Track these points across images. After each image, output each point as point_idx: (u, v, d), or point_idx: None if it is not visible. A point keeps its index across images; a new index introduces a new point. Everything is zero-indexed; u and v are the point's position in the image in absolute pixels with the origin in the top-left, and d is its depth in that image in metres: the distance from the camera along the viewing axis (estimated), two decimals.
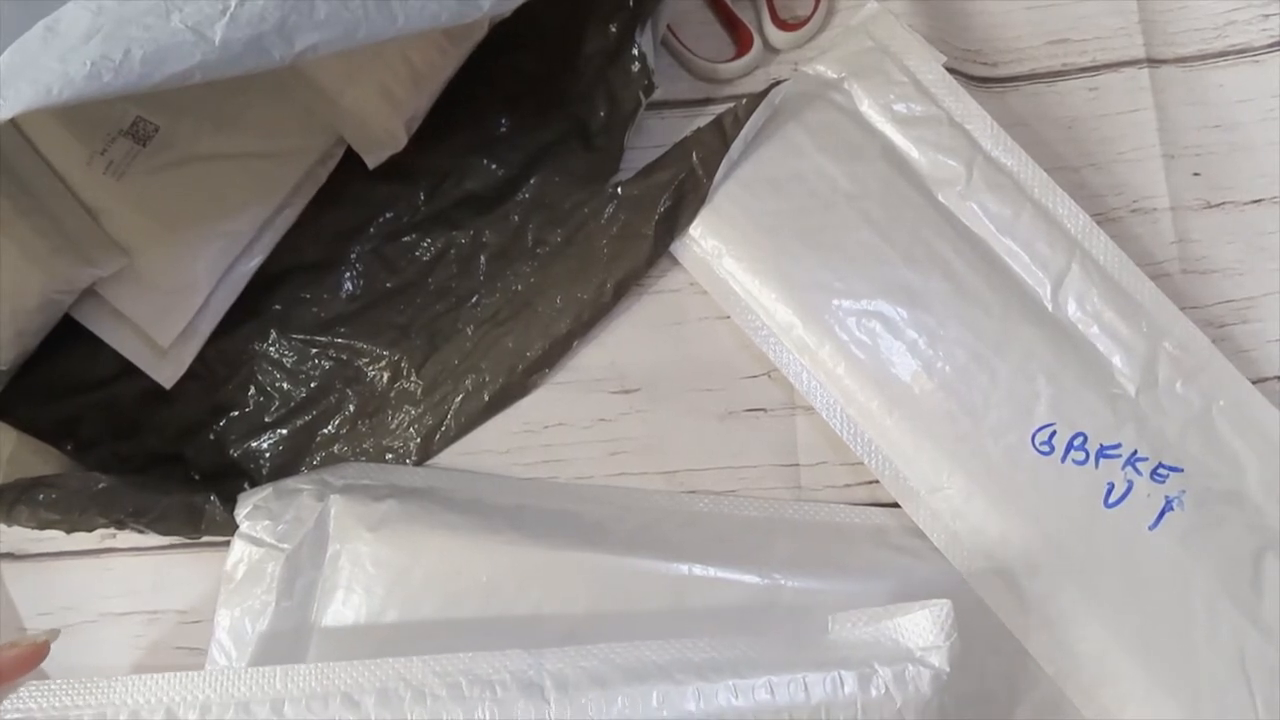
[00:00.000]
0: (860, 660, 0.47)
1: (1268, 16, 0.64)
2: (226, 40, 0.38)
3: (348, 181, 0.63)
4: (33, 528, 0.54)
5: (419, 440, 0.61)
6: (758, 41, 0.65)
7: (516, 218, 0.63)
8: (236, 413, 0.62)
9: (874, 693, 0.46)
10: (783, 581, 0.56)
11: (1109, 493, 0.55)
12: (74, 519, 0.54)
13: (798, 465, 0.60)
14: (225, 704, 0.44)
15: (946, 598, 0.49)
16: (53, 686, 0.44)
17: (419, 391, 0.62)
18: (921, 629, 0.48)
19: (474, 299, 0.63)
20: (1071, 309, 0.57)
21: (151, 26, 0.37)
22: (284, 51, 0.40)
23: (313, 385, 0.62)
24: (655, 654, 0.47)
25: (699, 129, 0.60)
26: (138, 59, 0.37)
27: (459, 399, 0.61)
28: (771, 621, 0.55)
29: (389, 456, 0.61)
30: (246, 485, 0.59)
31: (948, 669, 0.48)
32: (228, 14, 0.38)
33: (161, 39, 0.37)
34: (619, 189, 0.62)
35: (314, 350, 0.63)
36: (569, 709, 0.45)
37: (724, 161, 0.59)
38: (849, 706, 0.46)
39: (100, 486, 0.54)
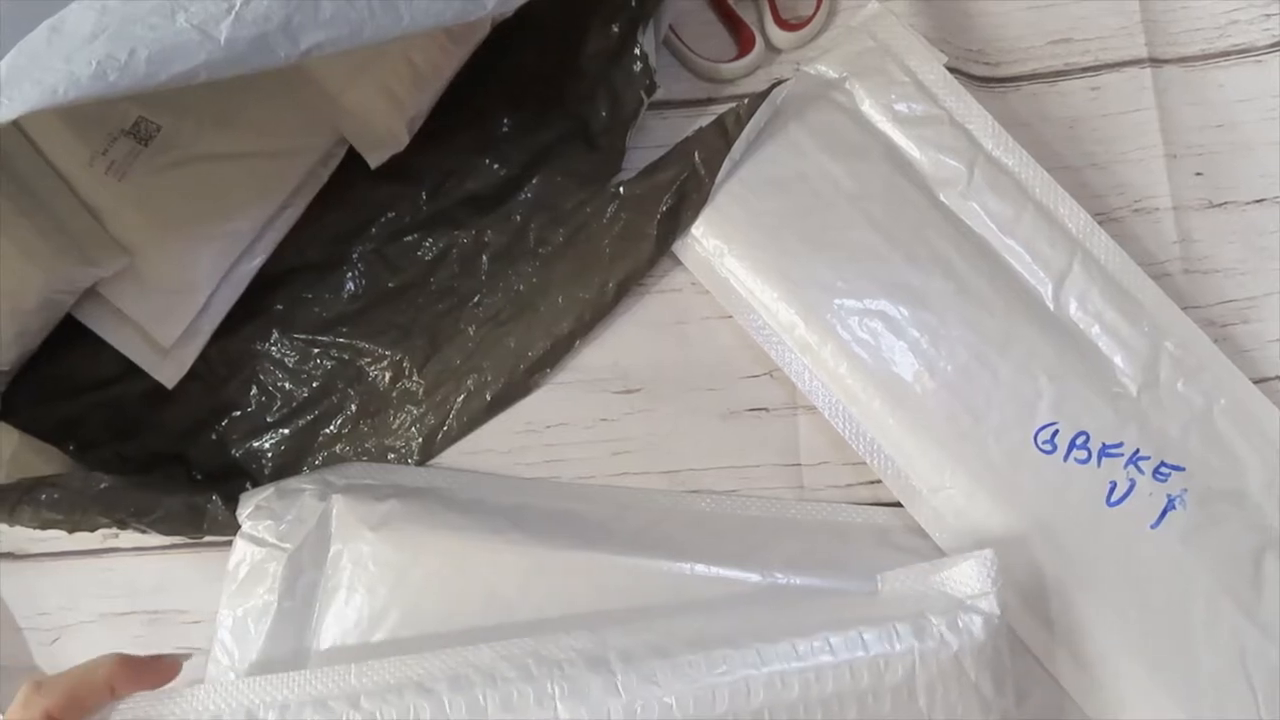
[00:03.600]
0: (913, 613, 0.49)
1: (1269, 16, 0.64)
2: (232, 39, 0.38)
3: (350, 181, 0.63)
4: (35, 527, 0.54)
5: (421, 440, 0.61)
6: (759, 41, 0.65)
7: (518, 217, 0.63)
8: (238, 413, 0.62)
9: (930, 642, 0.48)
10: (784, 581, 0.56)
11: (1111, 491, 0.55)
12: (76, 519, 0.54)
13: (800, 465, 0.60)
14: (302, 703, 0.46)
15: None
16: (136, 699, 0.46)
17: (421, 391, 0.62)
18: (969, 578, 0.50)
19: (476, 299, 0.63)
20: (1073, 308, 0.57)
21: (157, 26, 0.37)
22: (289, 50, 0.40)
23: (315, 385, 0.62)
24: (715, 623, 0.49)
25: (701, 129, 0.60)
26: (143, 58, 0.37)
27: (461, 399, 0.61)
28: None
29: (391, 456, 0.61)
30: (248, 485, 0.59)
31: (998, 613, 0.49)
32: (233, 13, 0.38)
33: (166, 38, 0.37)
34: (621, 189, 0.62)
35: (316, 350, 0.63)
36: (635, 678, 0.46)
37: (726, 161, 0.59)
38: (906, 656, 0.47)
39: (102, 486, 0.54)
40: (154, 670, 0.47)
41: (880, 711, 0.47)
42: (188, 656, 0.49)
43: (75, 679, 0.45)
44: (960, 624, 0.48)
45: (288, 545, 0.55)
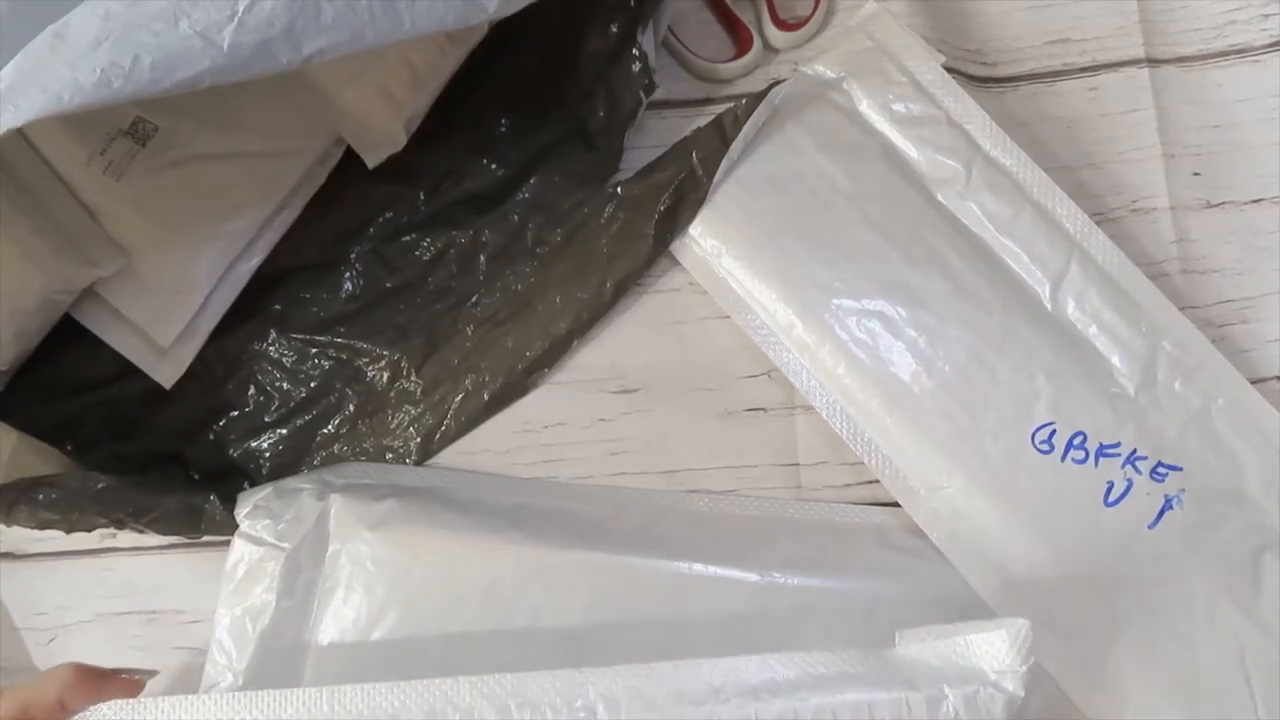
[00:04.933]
0: (928, 681, 0.45)
1: (1267, 16, 0.65)
2: (235, 45, 0.38)
3: (347, 181, 0.63)
4: (33, 528, 0.54)
5: (419, 440, 0.61)
6: (757, 41, 0.65)
7: (516, 217, 0.63)
8: (236, 412, 0.62)
9: (943, 718, 0.44)
10: (782, 580, 0.56)
11: (1109, 491, 0.55)
12: (74, 519, 0.54)
13: (798, 465, 0.60)
14: None
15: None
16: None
17: (419, 391, 0.62)
18: (996, 650, 0.45)
19: (474, 299, 0.63)
20: (1071, 308, 0.58)
21: (160, 32, 0.37)
22: (291, 56, 0.40)
23: (312, 385, 0.62)
24: (709, 673, 0.45)
25: (699, 129, 0.60)
26: (147, 65, 0.37)
27: (459, 398, 0.61)
28: (772, 620, 0.55)
29: (389, 456, 0.61)
30: (246, 485, 0.59)
31: (1023, 694, 0.45)
32: (235, 19, 0.38)
33: (170, 45, 0.37)
34: (619, 189, 0.62)
35: (314, 350, 0.63)
36: None
37: (724, 161, 0.59)
38: None
39: (100, 486, 0.54)
40: (112, 684, 0.46)
41: None
42: (154, 674, 0.48)
43: (27, 693, 0.44)
44: (979, 701, 0.44)
45: (286, 545, 0.55)
